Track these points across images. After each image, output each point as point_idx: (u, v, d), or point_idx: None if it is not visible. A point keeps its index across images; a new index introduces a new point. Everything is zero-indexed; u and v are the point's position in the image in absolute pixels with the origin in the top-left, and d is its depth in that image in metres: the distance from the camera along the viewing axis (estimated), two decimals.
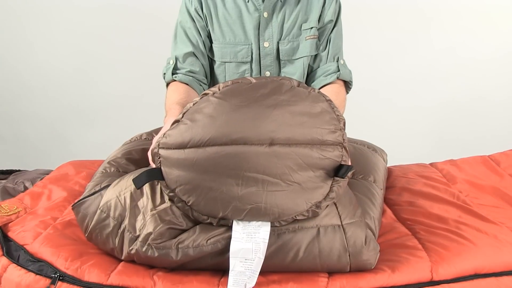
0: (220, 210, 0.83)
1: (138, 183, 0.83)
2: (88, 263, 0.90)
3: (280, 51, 1.31)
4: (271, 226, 0.85)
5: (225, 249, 0.85)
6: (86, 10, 2.28)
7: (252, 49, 1.31)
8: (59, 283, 0.88)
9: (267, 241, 0.83)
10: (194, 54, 1.30)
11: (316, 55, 1.35)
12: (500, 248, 0.97)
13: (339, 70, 1.32)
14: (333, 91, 1.28)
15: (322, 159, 0.83)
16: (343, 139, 0.85)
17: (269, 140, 0.81)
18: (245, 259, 0.82)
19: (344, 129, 0.87)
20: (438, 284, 0.90)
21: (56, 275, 0.89)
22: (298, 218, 0.85)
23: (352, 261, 0.88)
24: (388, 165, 1.38)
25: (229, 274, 0.83)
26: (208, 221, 0.85)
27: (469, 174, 1.38)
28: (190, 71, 1.29)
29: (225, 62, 1.33)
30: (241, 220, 0.84)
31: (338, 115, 0.87)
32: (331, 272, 0.90)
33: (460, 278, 0.92)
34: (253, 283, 0.83)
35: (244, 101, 0.83)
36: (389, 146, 1.46)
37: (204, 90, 1.30)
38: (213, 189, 0.82)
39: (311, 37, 1.32)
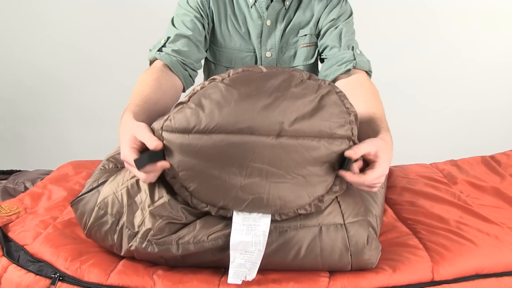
0: (221, 198, 0.82)
1: (140, 164, 0.81)
2: (88, 263, 0.90)
3: (278, 59, 1.28)
4: (271, 221, 0.84)
5: (226, 246, 0.84)
6: (87, 10, 2.28)
7: (255, 57, 1.28)
8: (59, 283, 0.88)
9: (267, 233, 0.82)
10: (189, 38, 1.21)
11: (326, 47, 1.26)
12: (501, 249, 0.97)
13: (355, 59, 1.20)
14: (357, 83, 1.15)
15: (329, 153, 0.81)
16: (352, 133, 0.82)
17: (277, 131, 0.78)
18: (245, 251, 0.82)
19: (355, 123, 0.84)
20: (439, 284, 0.90)
21: (56, 276, 0.88)
22: (300, 212, 0.84)
23: (354, 261, 0.87)
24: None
25: (230, 266, 0.82)
26: (207, 209, 0.84)
27: (469, 174, 1.38)
28: (177, 51, 1.18)
29: (228, 68, 1.28)
30: (242, 211, 0.83)
31: (348, 107, 0.84)
32: (332, 271, 0.90)
33: (461, 278, 0.92)
34: (253, 275, 0.82)
35: (253, 90, 0.80)
36: None
37: (191, 76, 1.22)
38: (215, 177, 0.81)
39: (306, 44, 1.29)
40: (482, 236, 1.01)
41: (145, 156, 0.82)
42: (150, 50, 1.22)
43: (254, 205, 0.82)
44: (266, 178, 0.80)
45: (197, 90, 0.83)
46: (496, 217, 1.11)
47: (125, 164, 0.87)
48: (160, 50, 1.19)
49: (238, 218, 0.83)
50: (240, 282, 0.83)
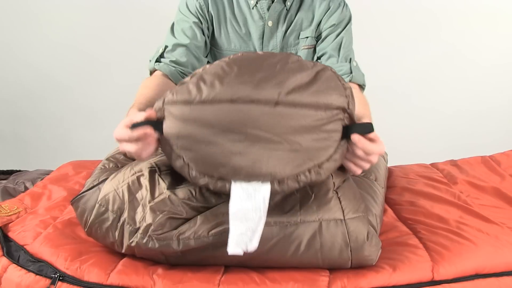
0: (219, 166, 0.82)
1: (135, 125, 0.82)
2: (88, 263, 0.90)
3: None
4: (272, 216, 0.84)
5: (227, 241, 0.84)
6: (87, 10, 2.28)
7: None
8: (59, 283, 0.88)
9: (267, 199, 0.81)
10: (187, 47, 1.24)
11: (324, 53, 1.30)
12: (501, 249, 0.97)
13: (351, 72, 1.26)
14: None
15: (326, 123, 0.83)
16: (348, 106, 0.84)
17: (275, 100, 0.81)
18: (246, 219, 0.81)
19: (351, 97, 0.86)
20: (439, 284, 0.90)
21: (56, 275, 0.88)
22: (300, 179, 0.83)
23: (354, 257, 0.87)
24: (388, 166, 1.38)
25: (229, 235, 0.81)
26: (205, 180, 0.83)
27: (469, 174, 1.38)
28: (175, 62, 1.23)
29: None
30: (240, 180, 0.82)
31: (343, 84, 0.87)
32: (332, 269, 0.90)
33: (461, 278, 0.92)
34: (255, 245, 0.80)
35: (253, 66, 0.84)
36: (390, 147, 1.45)
37: None
38: (215, 142, 0.81)
39: (307, 47, 1.30)
40: (482, 236, 1.01)
41: (142, 122, 0.83)
42: (150, 60, 1.26)
43: (253, 172, 0.81)
44: (265, 145, 0.81)
45: (198, 71, 0.86)
46: (496, 217, 1.11)
47: (120, 146, 0.87)
48: (158, 60, 1.23)
49: (237, 187, 0.82)
50: (241, 252, 0.80)
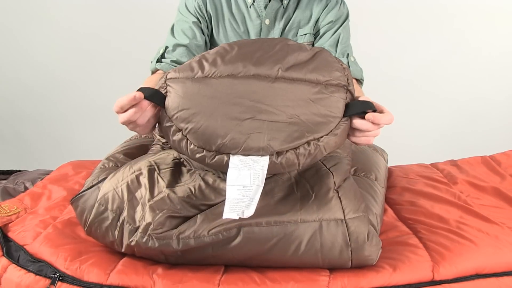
0: (218, 137, 0.82)
1: (145, 91, 0.83)
2: (88, 263, 0.90)
3: None
4: (272, 214, 0.85)
5: (227, 240, 0.85)
6: (86, 9, 2.28)
7: None
8: (59, 283, 0.88)
9: (266, 169, 0.81)
10: (187, 47, 1.26)
11: None
12: (501, 249, 0.97)
13: (349, 67, 1.28)
14: None
15: (326, 97, 0.85)
16: (348, 83, 0.87)
17: (274, 75, 0.85)
18: (243, 186, 0.81)
19: (350, 76, 0.89)
20: (439, 284, 0.90)
21: (56, 275, 0.88)
22: (299, 151, 0.83)
23: (354, 257, 0.87)
24: (388, 166, 1.38)
25: (226, 201, 0.80)
26: (203, 154, 0.84)
27: (470, 174, 1.38)
28: (176, 62, 1.25)
29: None
30: (238, 153, 0.83)
31: (341, 64, 0.90)
32: (332, 268, 0.90)
33: (461, 278, 0.92)
34: (251, 212, 0.78)
35: (253, 46, 0.90)
36: (390, 147, 1.46)
37: None
38: (213, 115, 0.83)
39: (305, 43, 1.30)
40: (482, 236, 1.01)
41: (152, 89, 0.85)
42: (151, 62, 1.28)
43: (252, 143, 0.82)
44: (264, 116, 0.83)
45: (202, 53, 0.91)
46: (496, 217, 1.11)
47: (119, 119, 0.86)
48: (159, 61, 1.26)
49: (235, 158, 0.83)
50: (236, 217, 0.78)
